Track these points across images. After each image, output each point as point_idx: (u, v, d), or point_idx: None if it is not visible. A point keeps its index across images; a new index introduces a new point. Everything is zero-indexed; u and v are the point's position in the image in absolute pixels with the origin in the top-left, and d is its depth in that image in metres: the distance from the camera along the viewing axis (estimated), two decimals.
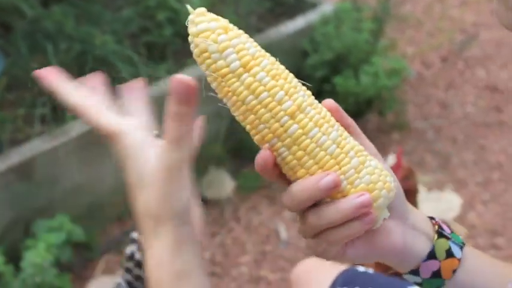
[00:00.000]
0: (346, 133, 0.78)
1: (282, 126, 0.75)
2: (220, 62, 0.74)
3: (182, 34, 2.81)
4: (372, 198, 0.76)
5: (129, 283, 1.70)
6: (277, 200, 2.66)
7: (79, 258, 2.35)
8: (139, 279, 1.68)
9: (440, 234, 0.83)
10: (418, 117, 3.07)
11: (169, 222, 0.76)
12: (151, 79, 2.50)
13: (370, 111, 2.89)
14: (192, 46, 0.75)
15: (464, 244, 0.84)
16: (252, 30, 2.78)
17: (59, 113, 2.39)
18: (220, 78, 0.75)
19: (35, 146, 2.24)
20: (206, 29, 0.75)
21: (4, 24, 2.57)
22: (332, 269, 1.28)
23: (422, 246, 0.82)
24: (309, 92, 0.78)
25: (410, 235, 0.82)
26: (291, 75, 0.77)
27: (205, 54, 0.75)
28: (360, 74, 2.74)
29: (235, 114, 0.76)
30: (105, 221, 2.48)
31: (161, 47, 2.72)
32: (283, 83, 0.75)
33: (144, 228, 0.78)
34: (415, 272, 0.83)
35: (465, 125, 3.05)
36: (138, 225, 0.79)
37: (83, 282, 2.32)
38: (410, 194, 1.79)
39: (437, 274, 0.83)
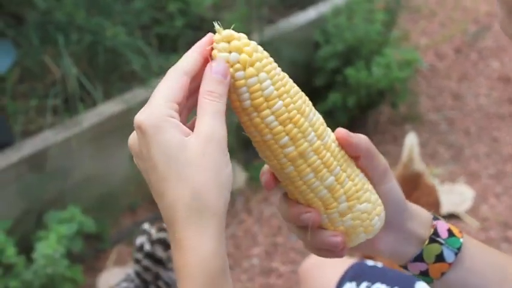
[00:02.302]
0: (347, 173, 0.79)
1: (280, 164, 0.77)
2: (234, 96, 0.75)
3: (193, 25, 2.80)
4: (346, 239, 0.81)
5: (138, 274, 1.71)
6: None
7: (91, 249, 2.36)
8: (148, 270, 1.68)
9: (432, 239, 0.86)
10: (431, 109, 3.06)
11: (219, 210, 0.71)
12: (163, 70, 2.51)
13: (382, 103, 2.87)
14: None
15: (459, 250, 0.86)
16: (263, 22, 2.77)
17: (71, 104, 2.40)
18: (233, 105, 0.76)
19: (47, 137, 2.25)
20: (225, 60, 0.73)
21: (16, 15, 2.57)
22: (341, 263, 1.28)
23: (411, 251, 0.86)
24: (321, 131, 0.77)
25: (400, 240, 0.86)
26: (309, 112, 0.76)
27: None
28: (372, 65, 2.73)
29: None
30: (117, 212, 2.49)
31: (172, 39, 2.72)
32: (292, 128, 0.75)
33: (179, 218, 0.70)
34: (404, 267, 0.88)
35: (478, 116, 3.02)
36: (166, 215, 0.72)
37: (94, 273, 2.33)
38: None
39: (425, 273, 0.87)
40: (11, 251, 2.02)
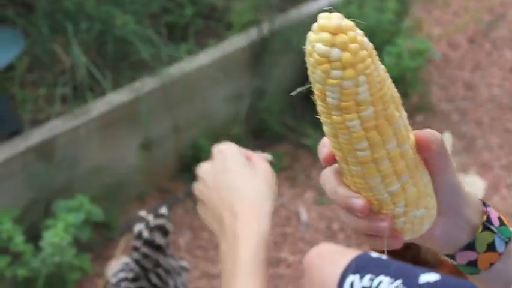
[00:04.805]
0: (414, 179, 0.73)
1: (346, 159, 0.70)
2: (318, 87, 0.66)
3: (204, 14, 2.79)
4: (398, 229, 0.75)
5: (137, 261, 1.70)
6: (298, 182, 2.64)
7: (100, 237, 2.36)
8: (148, 257, 1.68)
9: (486, 227, 0.81)
10: (443, 99, 3.03)
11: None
12: (172, 59, 2.50)
13: None
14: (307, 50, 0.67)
15: (510, 240, 0.81)
16: (274, 11, 2.75)
17: (79, 92, 2.39)
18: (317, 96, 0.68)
19: (56, 126, 2.25)
20: (324, 54, 0.64)
21: (25, 4, 2.57)
22: (345, 255, 1.26)
23: (464, 238, 0.81)
24: (403, 137, 0.69)
25: (455, 227, 0.80)
26: (398, 117, 0.68)
27: (313, 76, 0.67)
28: (383, 55, 2.70)
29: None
30: (126, 200, 2.48)
31: (182, 27, 2.71)
32: (374, 135, 0.67)
33: (255, 203, 1.11)
34: (451, 256, 0.83)
35: (491, 107, 2.99)
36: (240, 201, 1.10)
37: (103, 261, 2.33)
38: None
39: (473, 263, 0.82)
40: (19, 239, 2.03)
